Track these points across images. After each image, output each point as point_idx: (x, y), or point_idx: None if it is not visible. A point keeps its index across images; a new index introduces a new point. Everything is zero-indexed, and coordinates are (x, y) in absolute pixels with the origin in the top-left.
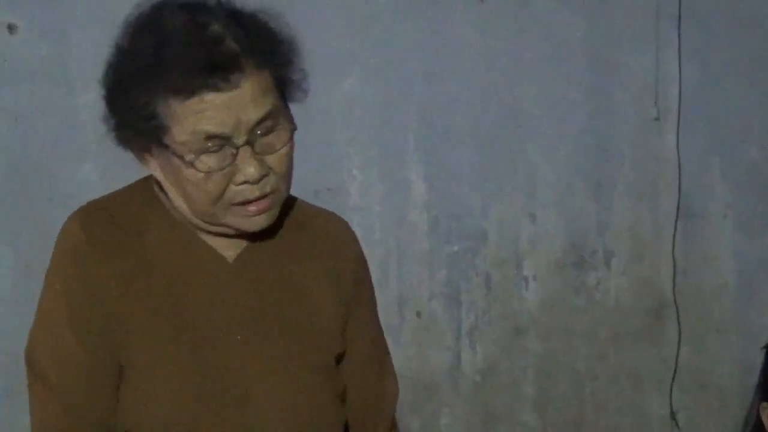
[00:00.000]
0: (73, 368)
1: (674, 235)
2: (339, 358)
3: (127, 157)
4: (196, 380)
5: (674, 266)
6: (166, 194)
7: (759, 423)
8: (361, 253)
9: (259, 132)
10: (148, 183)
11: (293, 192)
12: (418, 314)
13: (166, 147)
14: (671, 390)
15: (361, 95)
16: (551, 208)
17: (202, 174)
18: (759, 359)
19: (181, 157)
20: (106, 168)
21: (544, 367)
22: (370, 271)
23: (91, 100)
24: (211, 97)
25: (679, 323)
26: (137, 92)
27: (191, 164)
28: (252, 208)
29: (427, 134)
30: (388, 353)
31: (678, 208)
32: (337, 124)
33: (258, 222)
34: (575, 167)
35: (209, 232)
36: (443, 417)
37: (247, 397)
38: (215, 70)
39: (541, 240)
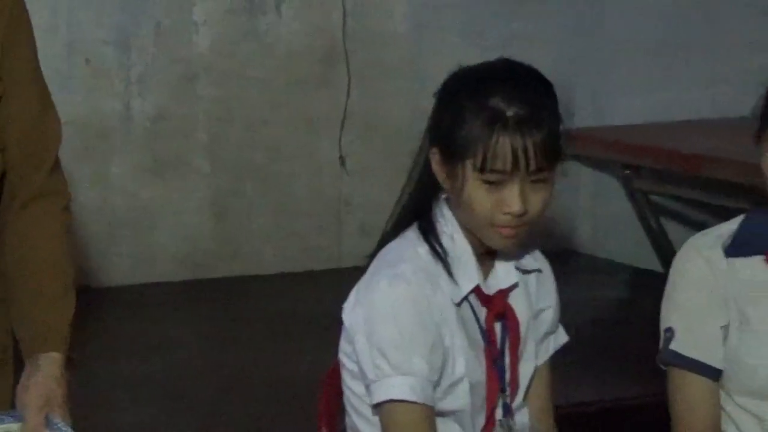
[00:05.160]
0: None
1: None
2: None
3: None
4: None
5: (344, 10)
6: None
7: (427, 167)
8: None
9: None
10: None
11: None
12: (87, 61)
13: None
14: (341, 134)
15: None
16: None
17: None
18: (431, 104)
19: None
20: None
21: (216, 113)
22: (39, 17)
23: None
24: None
25: (348, 68)
26: None
27: None
28: None
29: None
30: (49, 96)
31: None
32: None
33: None
34: None
35: None
36: (114, 165)
37: None
38: None
39: None
